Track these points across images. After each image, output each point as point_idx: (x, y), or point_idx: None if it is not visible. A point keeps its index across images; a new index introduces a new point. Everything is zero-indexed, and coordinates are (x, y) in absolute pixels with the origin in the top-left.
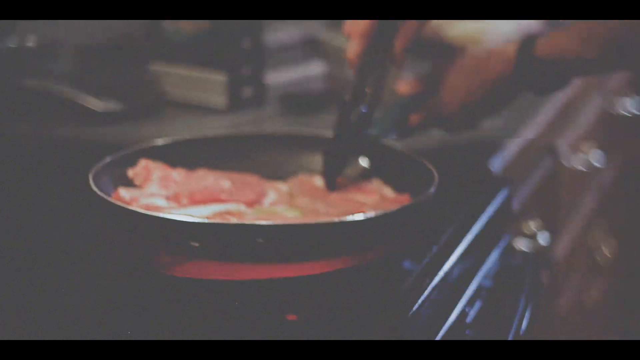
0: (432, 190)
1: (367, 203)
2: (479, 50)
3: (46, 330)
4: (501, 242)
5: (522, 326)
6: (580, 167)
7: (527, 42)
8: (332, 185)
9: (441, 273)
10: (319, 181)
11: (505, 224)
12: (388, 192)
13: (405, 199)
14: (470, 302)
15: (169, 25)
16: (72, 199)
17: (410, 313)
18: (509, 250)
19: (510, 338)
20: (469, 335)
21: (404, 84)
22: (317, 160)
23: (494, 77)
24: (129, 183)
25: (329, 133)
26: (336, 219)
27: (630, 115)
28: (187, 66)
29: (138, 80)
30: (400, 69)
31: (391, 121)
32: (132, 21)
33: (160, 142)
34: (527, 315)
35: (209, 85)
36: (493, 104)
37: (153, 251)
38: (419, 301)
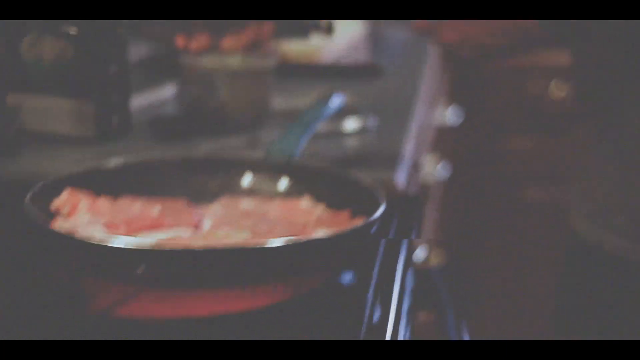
0: (382, 206)
1: (307, 223)
2: None
3: None
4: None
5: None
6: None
7: None
8: None
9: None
10: (246, 203)
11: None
12: (323, 210)
13: (346, 216)
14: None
15: (27, 53)
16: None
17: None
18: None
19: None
20: None
21: None
22: (238, 181)
23: None
24: (54, 214)
25: (245, 154)
26: (305, 238)
27: (453, 125)
28: (49, 96)
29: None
30: None
31: (296, 138)
32: None
33: (77, 170)
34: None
35: (75, 115)
36: None
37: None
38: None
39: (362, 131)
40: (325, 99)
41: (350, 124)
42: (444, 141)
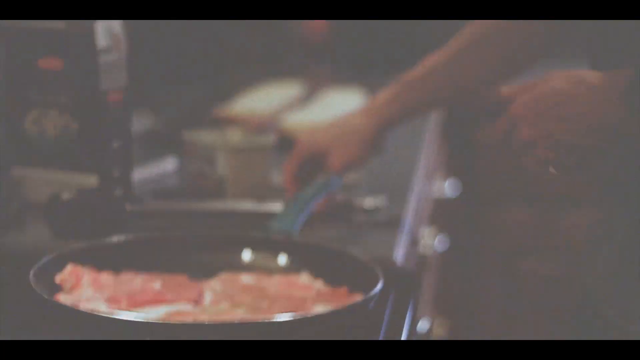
0: (380, 282)
1: (307, 298)
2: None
3: None
4: None
5: None
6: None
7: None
8: None
9: None
10: (245, 278)
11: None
12: (321, 285)
13: (344, 292)
14: None
15: (31, 128)
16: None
17: None
18: None
19: None
20: None
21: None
22: (238, 258)
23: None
24: (57, 289)
25: (247, 231)
26: (304, 314)
27: (450, 197)
28: (53, 170)
29: (2, 186)
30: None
31: (295, 215)
32: None
33: (80, 246)
34: None
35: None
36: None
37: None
38: None
39: (375, 211)
40: (324, 178)
41: (367, 202)
42: (441, 214)
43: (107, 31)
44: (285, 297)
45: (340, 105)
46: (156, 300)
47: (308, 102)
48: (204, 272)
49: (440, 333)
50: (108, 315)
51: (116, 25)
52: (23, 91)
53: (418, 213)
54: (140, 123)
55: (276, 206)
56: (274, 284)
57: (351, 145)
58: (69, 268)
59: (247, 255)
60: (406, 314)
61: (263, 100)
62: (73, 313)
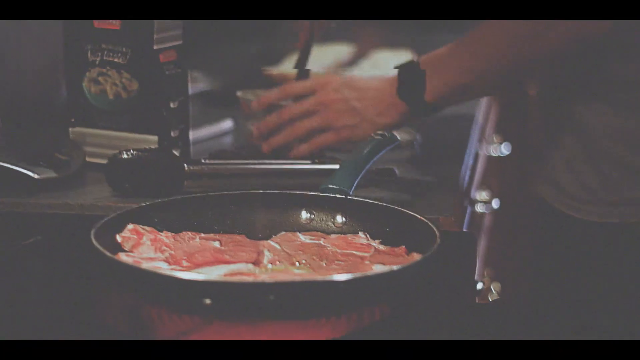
0: (437, 242)
1: (365, 257)
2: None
3: None
4: None
5: None
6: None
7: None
8: None
9: None
10: (303, 238)
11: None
12: (379, 245)
13: (402, 251)
14: None
15: (89, 88)
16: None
17: None
18: None
19: None
20: None
21: None
22: (296, 217)
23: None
24: (118, 248)
25: (304, 191)
26: (365, 273)
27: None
28: (112, 130)
29: (65, 145)
30: None
31: (351, 174)
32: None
33: (141, 205)
34: None
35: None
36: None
37: (165, 315)
38: None
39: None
40: (381, 135)
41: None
42: (494, 173)
43: None
44: (344, 256)
45: (390, 65)
46: (215, 260)
47: (358, 62)
48: (263, 231)
49: (493, 294)
50: (169, 274)
51: None
52: (81, 51)
53: (473, 173)
54: (195, 83)
55: (333, 165)
56: (332, 244)
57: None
58: (130, 227)
59: (305, 214)
60: (467, 274)
61: (314, 59)
62: (134, 271)
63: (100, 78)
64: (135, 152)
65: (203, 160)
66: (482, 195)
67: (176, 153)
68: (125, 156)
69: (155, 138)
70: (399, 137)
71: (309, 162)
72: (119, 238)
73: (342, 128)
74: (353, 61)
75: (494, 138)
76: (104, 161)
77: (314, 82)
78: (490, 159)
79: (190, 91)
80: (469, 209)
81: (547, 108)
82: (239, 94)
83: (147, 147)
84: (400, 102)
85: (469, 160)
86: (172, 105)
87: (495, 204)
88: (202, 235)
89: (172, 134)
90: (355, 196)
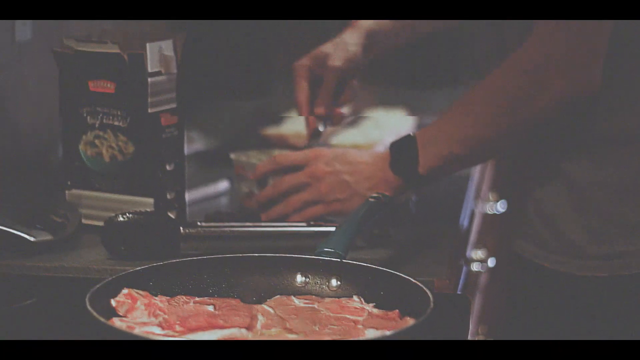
0: (431, 307)
1: (359, 321)
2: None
3: None
4: None
5: None
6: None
7: None
8: None
9: None
10: (298, 302)
11: None
12: (372, 309)
13: (395, 315)
14: None
15: (85, 151)
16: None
17: None
18: None
19: None
20: None
21: None
22: (291, 280)
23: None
24: (112, 313)
25: (299, 255)
26: (358, 338)
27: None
28: (108, 193)
29: (61, 207)
30: None
31: (346, 237)
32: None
33: (137, 269)
34: None
35: None
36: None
37: None
38: None
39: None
40: (376, 198)
41: None
42: (490, 230)
43: (157, 53)
44: (337, 320)
45: (385, 125)
46: (209, 324)
47: (354, 123)
48: (258, 294)
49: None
50: (158, 340)
51: (167, 46)
52: (78, 114)
53: (469, 231)
54: (191, 143)
55: (328, 227)
56: (325, 308)
57: None
58: (124, 292)
59: (299, 278)
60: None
61: None
62: (127, 337)
63: (96, 141)
64: (131, 215)
65: (199, 223)
66: (478, 254)
67: (172, 215)
68: (121, 219)
69: (151, 200)
70: (394, 199)
71: (304, 224)
72: (113, 302)
73: (333, 201)
74: (353, 121)
75: (490, 196)
76: (100, 223)
77: (307, 154)
78: (486, 216)
79: (186, 151)
80: (464, 268)
81: (533, 163)
82: (232, 156)
83: (143, 209)
84: (392, 177)
85: (464, 219)
86: (168, 167)
87: (491, 262)
88: (197, 299)
89: (168, 196)
90: (351, 258)
